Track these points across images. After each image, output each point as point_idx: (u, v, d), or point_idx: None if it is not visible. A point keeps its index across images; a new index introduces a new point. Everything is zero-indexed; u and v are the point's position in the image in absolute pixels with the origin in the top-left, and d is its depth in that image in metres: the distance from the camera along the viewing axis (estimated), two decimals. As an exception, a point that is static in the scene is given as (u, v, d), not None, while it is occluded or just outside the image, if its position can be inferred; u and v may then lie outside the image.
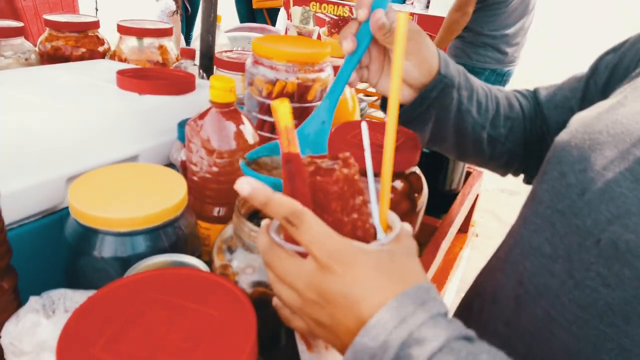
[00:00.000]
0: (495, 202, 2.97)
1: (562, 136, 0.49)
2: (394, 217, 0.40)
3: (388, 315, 0.33)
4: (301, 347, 0.41)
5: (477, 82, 0.64)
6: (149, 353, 0.31)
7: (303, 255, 0.36)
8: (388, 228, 0.40)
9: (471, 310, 0.58)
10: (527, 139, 0.67)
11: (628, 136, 0.42)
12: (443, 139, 0.63)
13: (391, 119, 0.39)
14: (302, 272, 0.35)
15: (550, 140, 0.64)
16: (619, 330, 0.39)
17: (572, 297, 0.43)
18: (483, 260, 0.62)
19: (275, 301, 0.40)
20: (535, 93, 0.70)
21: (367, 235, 0.38)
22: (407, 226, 0.40)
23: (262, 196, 0.35)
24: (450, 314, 0.62)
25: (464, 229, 1.01)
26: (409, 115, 0.61)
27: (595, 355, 0.40)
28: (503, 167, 0.70)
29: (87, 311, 0.34)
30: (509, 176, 0.75)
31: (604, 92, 0.59)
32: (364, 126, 0.41)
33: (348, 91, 0.99)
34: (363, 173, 0.39)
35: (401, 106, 0.61)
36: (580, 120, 0.49)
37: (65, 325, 0.33)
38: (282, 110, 0.33)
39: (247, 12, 3.33)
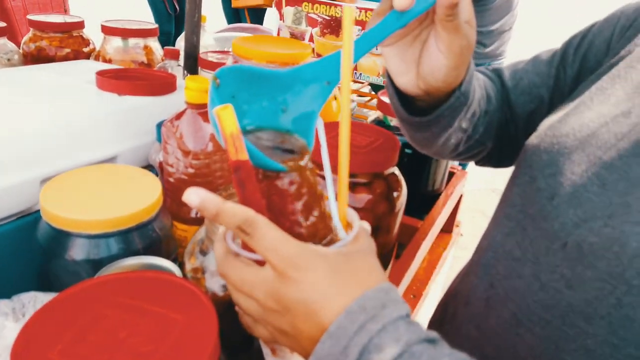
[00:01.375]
0: (485, 202, 2.98)
1: (532, 140, 0.49)
2: (353, 215, 0.40)
3: (348, 321, 0.33)
4: (265, 350, 0.41)
5: (474, 84, 0.56)
6: (107, 356, 0.31)
7: (261, 263, 0.35)
8: (348, 226, 0.40)
9: (446, 312, 0.58)
10: (497, 129, 0.64)
11: (594, 139, 0.42)
12: (431, 146, 0.60)
13: (345, 110, 0.38)
14: (259, 280, 0.34)
15: (515, 126, 0.63)
16: (580, 331, 0.39)
17: (537, 298, 0.43)
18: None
19: (237, 308, 0.39)
20: (499, 75, 0.63)
21: (327, 235, 0.38)
22: (365, 224, 0.40)
23: (212, 207, 0.33)
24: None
25: (448, 229, 1.01)
26: (416, 124, 0.56)
27: (559, 356, 0.41)
28: (470, 158, 0.67)
29: (47, 314, 0.34)
30: (501, 177, 0.74)
31: (576, 84, 0.56)
32: (320, 122, 0.40)
33: (334, 90, 0.99)
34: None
35: (411, 114, 0.55)
36: (548, 123, 0.49)
37: (23, 328, 0.32)
38: (226, 117, 0.32)
39: (232, 13, 3.33)
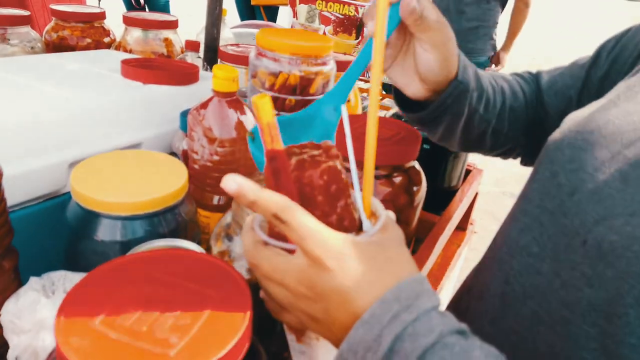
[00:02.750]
0: (496, 204, 2.97)
1: (555, 135, 0.49)
2: (377, 205, 0.40)
3: (382, 309, 0.33)
4: (290, 337, 0.42)
5: (485, 77, 0.63)
6: (147, 328, 0.32)
7: (291, 251, 0.36)
8: (372, 215, 0.40)
9: (459, 307, 0.58)
10: (528, 126, 0.67)
11: (619, 136, 0.42)
12: (451, 137, 0.64)
13: (373, 107, 0.39)
14: (291, 268, 0.35)
15: (548, 126, 0.64)
16: (601, 330, 0.39)
17: (558, 296, 0.43)
18: (482, 262, 0.62)
19: (262, 295, 0.40)
20: (537, 77, 0.69)
21: (353, 225, 0.38)
22: (391, 214, 0.40)
23: (250, 194, 0.34)
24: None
25: (462, 226, 1.02)
26: (424, 119, 0.60)
27: (578, 355, 0.41)
28: (503, 154, 0.71)
29: (87, 287, 0.35)
30: (511, 179, 0.76)
31: (603, 84, 0.59)
32: (344, 110, 0.41)
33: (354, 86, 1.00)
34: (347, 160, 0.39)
35: (416, 111, 0.60)
36: (572, 119, 0.49)
37: (64, 300, 0.33)
38: (263, 106, 0.32)
39: (246, 10, 3.35)
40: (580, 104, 0.61)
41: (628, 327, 0.37)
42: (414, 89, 0.57)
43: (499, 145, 0.66)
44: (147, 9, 3.16)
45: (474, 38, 2.44)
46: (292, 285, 0.36)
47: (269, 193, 0.34)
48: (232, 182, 0.34)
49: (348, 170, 0.40)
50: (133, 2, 3.04)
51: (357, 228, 0.39)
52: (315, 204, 0.37)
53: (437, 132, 0.63)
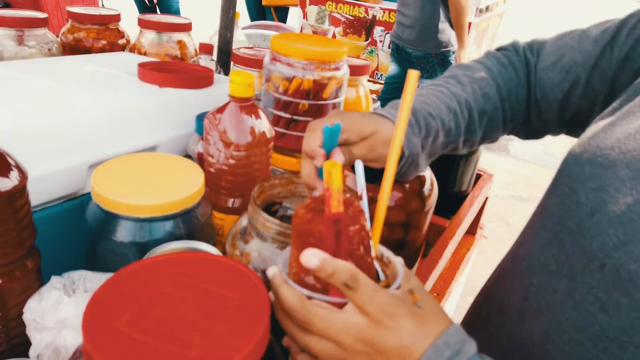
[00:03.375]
0: (505, 207, 2.97)
1: (575, 148, 0.48)
2: (384, 251, 0.45)
3: (435, 355, 0.38)
4: None
5: (441, 108, 0.60)
6: (170, 329, 0.33)
7: (340, 305, 0.39)
8: (377, 259, 0.45)
9: (479, 316, 0.58)
10: (507, 116, 0.65)
11: None
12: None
13: (390, 171, 0.44)
14: (349, 326, 0.38)
15: (545, 104, 0.63)
16: (614, 356, 0.39)
17: (569, 317, 0.43)
18: (490, 265, 0.62)
19: (290, 349, 0.42)
20: (539, 50, 0.64)
21: (374, 272, 0.43)
22: (400, 260, 0.44)
23: (329, 268, 0.37)
24: (456, 316, 0.63)
25: (472, 231, 1.02)
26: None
27: None
28: (484, 143, 0.69)
29: (111, 289, 0.36)
30: (521, 182, 0.75)
31: (622, 68, 0.55)
32: (359, 165, 0.44)
33: (362, 89, 1.01)
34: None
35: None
36: (592, 132, 0.47)
37: (90, 300, 0.35)
38: (337, 173, 0.36)
39: (257, 10, 3.37)
40: (589, 84, 0.58)
41: None
42: (379, 165, 0.57)
43: (475, 145, 0.66)
44: (157, 10, 3.18)
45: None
46: (347, 342, 0.39)
47: (341, 264, 0.38)
48: (314, 258, 0.38)
49: None
50: (147, 1, 3.07)
51: (376, 273, 0.43)
52: (354, 257, 0.40)
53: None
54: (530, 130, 0.68)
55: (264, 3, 3.12)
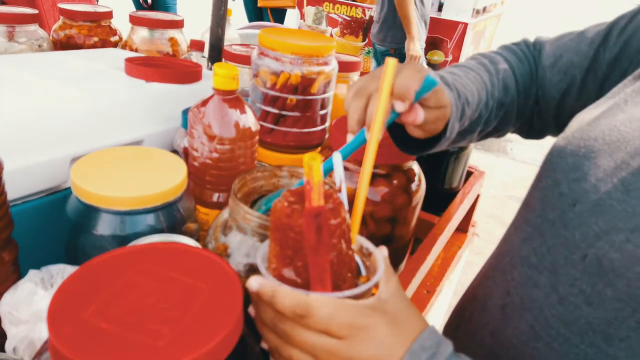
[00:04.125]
0: (501, 208, 2.96)
1: (559, 141, 0.48)
2: (368, 245, 0.44)
3: (413, 359, 0.37)
4: None
5: (474, 97, 0.59)
6: (138, 319, 0.32)
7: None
8: (358, 252, 0.44)
9: (462, 317, 0.58)
10: (520, 111, 0.65)
11: (624, 144, 0.40)
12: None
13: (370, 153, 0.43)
14: (323, 343, 0.37)
15: (544, 104, 0.63)
16: (599, 351, 0.38)
17: (555, 312, 0.42)
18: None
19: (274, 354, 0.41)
20: (539, 50, 0.65)
21: (353, 264, 0.42)
22: (384, 251, 0.43)
23: (268, 290, 0.38)
24: (447, 317, 0.62)
25: (463, 228, 1.02)
26: (417, 152, 0.61)
27: None
28: (491, 136, 0.69)
29: (79, 279, 0.36)
30: (518, 183, 0.74)
31: (612, 69, 0.56)
32: (337, 157, 0.43)
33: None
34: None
35: (412, 145, 0.60)
36: (577, 124, 0.47)
37: (57, 291, 0.34)
38: (317, 166, 0.36)
39: (255, 12, 3.37)
40: (584, 85, 0.58)
41: (630, 350, 0.37)
42: (410, 130, 0.56)
43: (484, 136, 0.66)
44: (154, 9, 3.18)
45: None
46: (323, 357, 0.38)
47: (286, 289, 0.37)
48: (254, 282, 0.38)
49: None
50: (141, 1, 3.07)
51: (356, 269, 0.43)
52: (334, 249, 0.39)
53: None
54: (532, 129, 0.68)
55: (259, 4, 3.12)
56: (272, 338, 0.40)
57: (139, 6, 3.18)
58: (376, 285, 0.40)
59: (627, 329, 0.37)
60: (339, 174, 0.43)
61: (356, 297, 0.39)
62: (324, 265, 0.38)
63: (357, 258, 0.44)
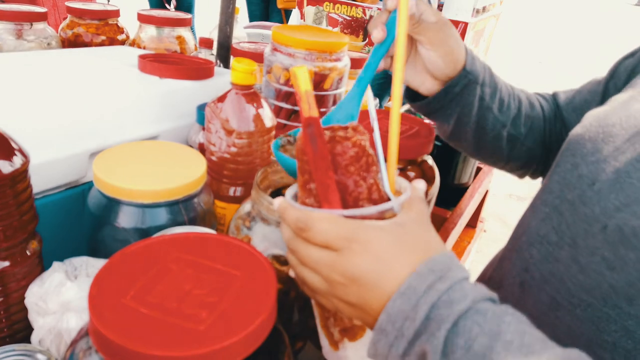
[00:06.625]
0: (503, 206, 2.97)
1: (577, 129, 0.50)
2: (403, 183, 0.41)
3: (418, 281, 0.35)
4: (324, 342, 0.43)
5: (500, 80, 0.65)
6: (176, 305, 0.33)
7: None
8: (397, 194, 0.41)
9: None
10: (546, 139, 0.68)
11: None
12: (464, 134, 0.64)
13: (397, 86, 0.40)
14: (323, 258, 0.37)
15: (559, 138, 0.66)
16: (622, 312, 0.40)
17: (576, 281, 0.43)
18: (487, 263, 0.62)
19: (295, 276, 0.41)
20: (554, 97, 0.70)
21: (380, 198, 0.39)
22: (420, 184, 0.41)
23: (282, 208, 0.39)
24: None
25: (472, 224, 1.02)
26: (431, 107, 0.62)
27: (599, 337, 0.41)
28: (521, 168, 0.70)
29: (115, 266, 0.36)
30: (521, 183, 0.76)
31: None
32: (369, 92, 0.42)
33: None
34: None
35: (424, 98, 0.63)
36: (594, 114, 0.50)
37: (95, 277, 0.34)
38: (302, 76, 0.34)
39: (261, 13, 3.36)
40: None
41: None
42: (428, 86, 0.61)
43: (516, 156, 0.67)
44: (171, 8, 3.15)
45: None
46: (324, 273, 0.37)
47: (292, 206, 0.38)
48: (276, 202, 0.40)
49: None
50: (164, 1, 3.04)
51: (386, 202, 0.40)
52: (347, 174, 0.38)
53: (448, 126, 0.64)
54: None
55: (279, 6, 3.13)
56: (290, 259, 0.40)
57: (158, 5, 3.13)
58: None
59: None
60: (371, 110, 0.42)
61: (365, 218, 0.37)
62: (326, 182, 0.37)
63: (394, 199, 0.40)
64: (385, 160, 0.41)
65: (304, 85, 0.34)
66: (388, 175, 0.40)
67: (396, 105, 0.41)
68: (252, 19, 3.44)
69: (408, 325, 0.34)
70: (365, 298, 0.36)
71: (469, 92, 0.59)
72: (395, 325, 0.34)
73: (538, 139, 0.67)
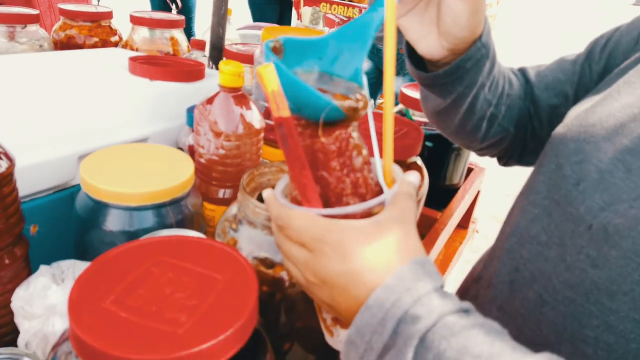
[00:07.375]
0: (498, 205, 2.97)
1: (559, 129, 0.51)
2: (398, 171, 0.40)
3: (385, 294, 0.34)
4: (326, 333, 0.43)
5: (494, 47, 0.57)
6: (156, 308, 0.33)
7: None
8: (393, 182, 0.40)
9: (466, 295, 0.59)
10: (519, 116, 0.65)
11: (621, 128, 0.44)
12: (454, 114, 0.60)
13: (389, 65, 0.37)
14: (300, 257, 0.37)
15: (537, 122, 0.65)
16: (604, 307, 0.41)
17: (562, 279, 0.44)
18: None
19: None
20: (523, 73, 0.67)
21: (370, 192, 0.39)
22: (412, 179, 0.39)
23: (267, 200, 0.40)
24: None
25: (464, 224, 1.03)
26: (436, 80, 0.56)
27: (581, 332, 0.42)
28: (492, 147, 0.67)
29: (97, 270, 0.36)
30: (516, 181, 0.74)
31: (602, 78, 0.58)
32: (364, 78, 0.39)
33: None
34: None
35: (433, 69, 0.56)
36: (575, 114, 0.51)
37: (76, 282, 0.34)
38: (268, 75, 0.33)
39: (275, 18, 3.37)
40: (576, 100, 0.61)
41: (633, 303, 0.39)
42: (429, 44, 0.52)
43: (492, 134, 0.64)
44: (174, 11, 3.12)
45: None
46: (302, 270, 0.38)
47: (275, 202, 0.39)
48: (264, 193, 0.41)
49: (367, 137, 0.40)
50: (169, 1, 3.00)
51: (375, 195, 0.39)
52: (330, 169, 0.38)
53: (443, 102, 0.59)
54: (526, 151, 0.69)
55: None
56: (280, 250, 0.41)
57: (161, 6, 3.11)
58: None
59: (631, 282, 0.39)
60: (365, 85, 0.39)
61: (348, 217, 0.36)
62: (302, 181, 0.36)
63: (387, 190, 0.39)
64: (380, 150, 0.39)
65: (270, 85, 0.33)
66: (383, 163, 0.39)
67: (389, 73, 0.37)
68: (254, 18, 3.43)
69: (376, 339, 0.34)
70: (337, 300, 0.36)
71: (477, 69, 0.54)
72: (364, 338, 0.34)
73: (513, 117, 0.64)
